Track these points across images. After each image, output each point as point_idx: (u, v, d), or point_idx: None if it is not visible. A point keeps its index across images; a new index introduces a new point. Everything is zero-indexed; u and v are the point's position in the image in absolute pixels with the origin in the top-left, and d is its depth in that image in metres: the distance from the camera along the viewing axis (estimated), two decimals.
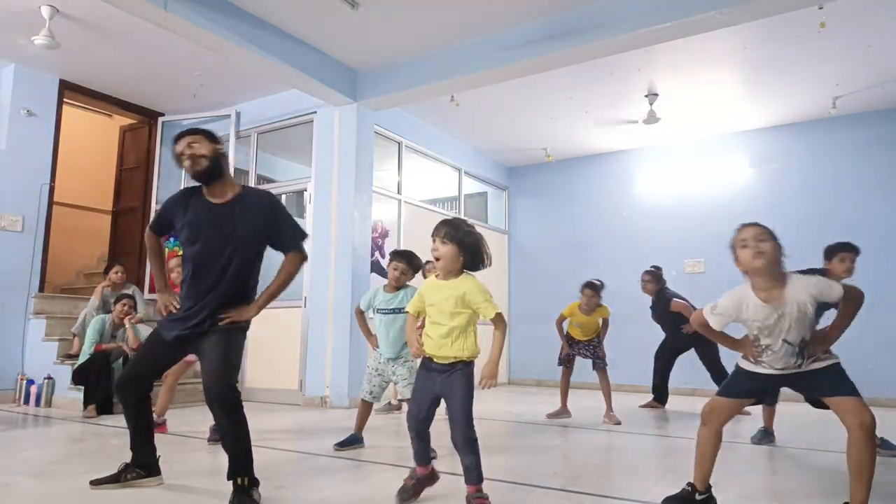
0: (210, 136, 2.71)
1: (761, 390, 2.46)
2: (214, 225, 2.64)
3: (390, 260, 3.76)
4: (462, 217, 2.74)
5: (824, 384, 2.31)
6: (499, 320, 2.42)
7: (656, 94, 6.63)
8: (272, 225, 2.70)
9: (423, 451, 2.55)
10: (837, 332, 2.31)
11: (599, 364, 5.19)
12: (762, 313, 2.27)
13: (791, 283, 2.27)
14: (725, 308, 2.37)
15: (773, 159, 7.51)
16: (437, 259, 2.46)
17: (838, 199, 7.03)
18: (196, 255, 2.65)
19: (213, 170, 2.66)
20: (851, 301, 2.31)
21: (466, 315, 2.43)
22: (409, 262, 3.72)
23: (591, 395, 6.67)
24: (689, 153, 8.05)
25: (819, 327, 2.42)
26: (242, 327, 2.70)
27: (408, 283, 3.76)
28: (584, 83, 6.40)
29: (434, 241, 2.46)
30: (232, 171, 6.81)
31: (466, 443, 2.36)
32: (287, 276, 2.75)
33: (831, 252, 3.88)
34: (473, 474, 2.39)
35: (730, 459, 3.65)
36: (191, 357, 3.36)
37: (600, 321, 5.27)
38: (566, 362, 5.33)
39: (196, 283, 2.65)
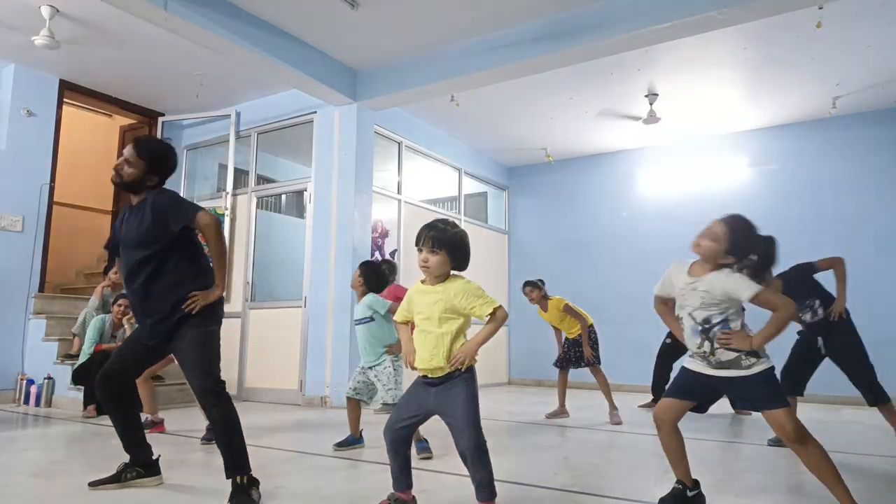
0: (151, 157, 2.75)
1: (702, 392, 2.46)
2: (130, 227, 2.72)
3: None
4: (442, 217, 2.54)
5: (751, 395, 2.33)
6: (494, 318, 2.22)
7: (656, 94, 6.63)
8: (159, 214, 2.67)
9: (402, 472, 2.31)
10: (760, 337, 2.27)
11: (584, 364, 5.17)
12: (682, 282, 2.42)
13: (719, 272, 2.34)
14: (666, 276, 2.54)
15: (773, 159, 7.51)
16: (427, 269, 2.28)
17: (838, 199, 7.03)
18: (126, 260, 2.74)
19: (132, 185, 2.75)
20: (777, 309, 2.29)
21: (458, 322, 2.24)
22: (368, 270, 3.80)
23: (591, 395, 6.67)
24: (689, 153, 8.05)
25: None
26: (215, 318, 2.71)
27: (371, 292, 3.77)
28: (584, 83, 6.40)
29: (421, 250, 2.27)
30: (231, 171, 6.88)
31: (478, 453, 2.15)
32: (217, 246, 2.71)
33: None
34: (487, 490, 2.16)
35: (730, 459, 3.66)
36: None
37: (564, 311, 5.22)
38: (561, 364, 5.33)
39: (130, 286, 2.71)
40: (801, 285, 3.96)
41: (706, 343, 2.34)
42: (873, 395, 3.79)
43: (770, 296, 2.29)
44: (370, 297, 3.71)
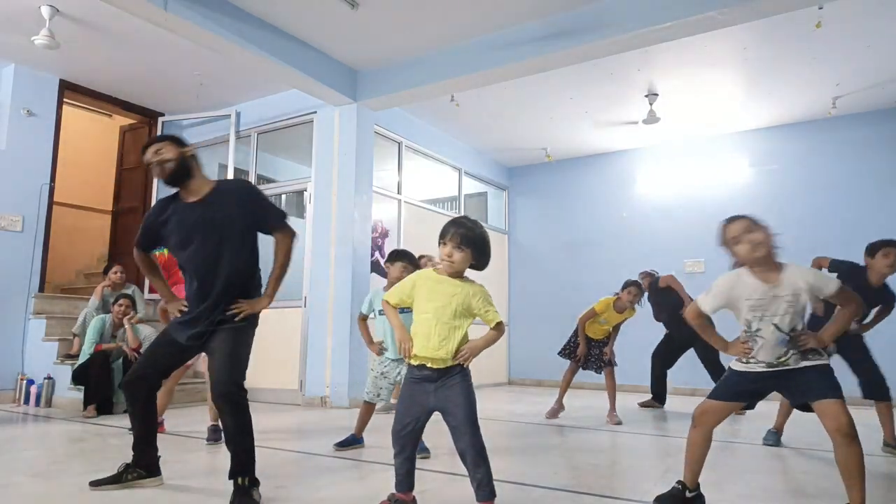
0: (176, 141, 2.76)
1: (752, 392, 2.44)
2: (196, 222, 2.65)
3: (394, 260, 3.69)
4: (465, 215, 2.49)
5: (810, 386, 2.28)
6: (499, 328, 2.34)
7: (656, 94, 6.63)
8: (250, 208, 2.69)
9: (407, 473, 2.31)
10: (831, 333, 2.29)
11: (606, 367, 5.18)
12: (758, 291, 2.27)
13: (788, 268, 2.28)
14: (719, 288, 2.36)
15: (773, 159, 7.51)
16: (451, 263, 2.31)
17: (838, 199, 7.04)
18: (188, 257, 2.67)
19: (180, 171, 2.69)
20: (848, 303, 2.29)
21: (469, 320, 2.32)
22: (411, 261, 3.70)
23: (591, 394, 6.68)
24: (689, 153, 8.05)
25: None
26: (252, 324, 2.69)
27: None
28: (584, 83, 6.40)
29: (446, 244, 2.29)
30: (231, 170, 6.88)
31: (478, 453, 2.17)
32: (284, 257, 2.75)
33: (874, 249, 3.85)
34: (486, 489, 2.17)
35: (730, 459, 3.66)
36: (190, 360, 3.39)
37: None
38: (583, 363, 5.28)
39: (195, 285, 2.66)
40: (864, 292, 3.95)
41: (791, 352, 2.27)
42: (868, 388, 3.77)
43: (848, 292, 2.27)
44: None
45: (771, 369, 2.32)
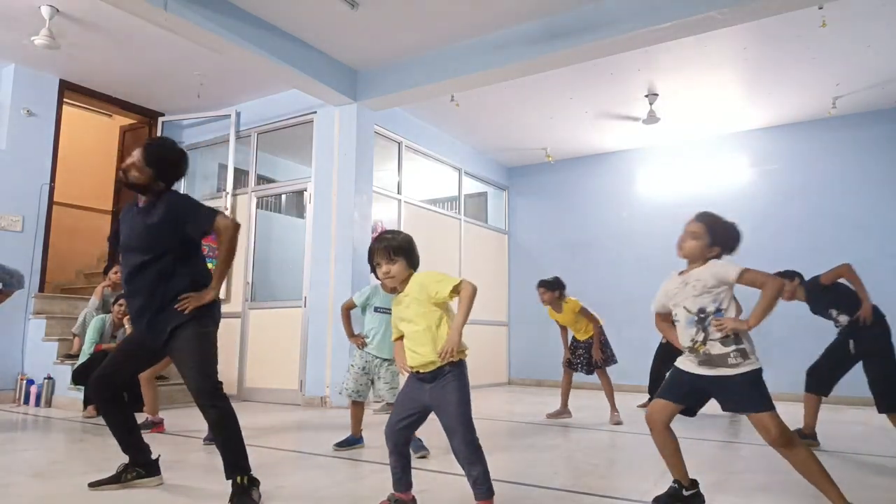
0: (158, 162, 2.68)
1: (690, 394, 2.47)
2: (135, 226, 2.70)
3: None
4: (388, 228, 2.59)
5: (736, 397, 2.34)
6: (463, 287, 2.23)
7: (656, 94, 6.63)
8: (184, 213, 2.66)
9: (403, 472, 2.31)
10: (754, 316, 2.31)
11: (591, 369, 5.17)
12: (674, 284, 2.54)
13: (705, 265, 2.46)
14: (661, 290, 2.63)
15: (773, 159, 7.51)
16: (392, 278, 2.36)
17: (838, 199, 7.03)
18: (125, 259, 2.71)
19: (138, 188, 2.70)
20: (763, 286, 2.33)
21: (436, 313, 2.27)
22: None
23: (592, 395, 6.68)
24: (689, 153, 8.05)
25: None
26: (209, 324, 2.68)
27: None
28: (584, 83, 6.40)
29: (380, 265, 2.36)
30: (231, 171, 6.88)
31: (470, 450, 2.16)
32: (226, 249, 2.69)
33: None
34: (483, 487, 2.16)
35: (729, 459, 3.66)
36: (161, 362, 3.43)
37: (580, 313, 5.18)
38: (570, 365, 5.32)
39: (129, 287, 2.70)
40: (813, 300, 4.04)
41: (700, 333, 2.38)
42: (883, 401, 3.76)
43: (755, 273, 2.35)
44: None
45: (698, 372, 2.39)
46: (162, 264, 2.64)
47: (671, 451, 2.48)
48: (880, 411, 3.78)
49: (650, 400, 5.99)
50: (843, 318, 3.91)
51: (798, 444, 2.27)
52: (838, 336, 4.01)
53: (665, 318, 2.64)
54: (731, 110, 7.11)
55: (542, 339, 8.43)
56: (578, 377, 5.43)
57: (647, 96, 6.67)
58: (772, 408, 2.27)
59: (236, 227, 2.74)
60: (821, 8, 4.57)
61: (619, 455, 3.89)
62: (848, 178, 7.04)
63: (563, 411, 5.26)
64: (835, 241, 6.86)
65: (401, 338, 2.40)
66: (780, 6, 4.45)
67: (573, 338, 5.33)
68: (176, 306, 2.60)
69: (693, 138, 7.98)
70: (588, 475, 3.14)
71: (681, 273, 2.55)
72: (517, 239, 9.33)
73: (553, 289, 5.23)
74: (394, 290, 3.66)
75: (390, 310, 3.61)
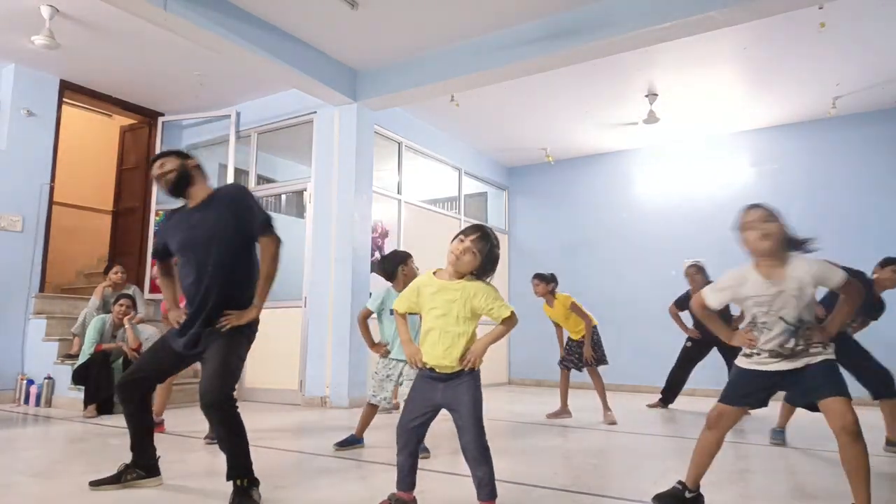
0: (179, 154, 2.82)
1: (760, 392, 2.42)
2: (190, 228, 2.68)
3: (407, 264, 3.73)
4: (492, 229, 2.41)
5: (815, 385, 2.27)
6: (508, 322, 2.26)
7: (656, 94, 6.63)
8: (239, 212, 2.67)
9: (410, 471, 2.30)
10: (836, 324, 2.30)
11: (582, 367, 5.17)
12: (762, 288, 2.30)
13: (793, 262, 2.28)
14: (726, 283, 2.39)
15: (774, 159, 7.51)
16: (457, 260, 2.27)
17: (838, 198, 7.03)
18: (182, 262, 2.70)
19: (181, 180, 2.74)
20: (851, 294, 2.31)
21: (474, 322, 2.28)
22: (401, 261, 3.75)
23: (591, 395, 6.67)
24: (688, 153, 8.05)
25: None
26: (246, 333, 2.66)
27: None
28: (584, 83, 6.39)
29: (464, 242, 2.25)
30: (231, 171, 6.87)
31: (479, 451, 2.17)
32: (269, 266, 2.68)
33: (887, 262, 4.00)
34: (487, 489, 2.18)
35: (730, 459, 3.65)
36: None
37: (572, 310, 5.21)
38: (565, 364, 5.33)
39: (189, 290, 2.67)
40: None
41: (800, 342, 2.28)
42: (877, 389, 3.76)
43: (854, 282, 2.28)
44: None
45: (776, 368, 2.31)
46: (235, 259, 2.65)
47: (709, 455, 2.43)
48: (875, 397, 3.79)
49: (661, 401, 6.02)
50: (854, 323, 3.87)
51: (863, 440, 2.19)
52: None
53: (713, 311, 2.47)
54: (731, 110, 7.11)
55: (543, 339, 8.39)
56: (580, 377, 5.43)
57: (647, 96, 6.67)
58: (849, 395, 2.22)
59: (280, 242, 2.73)
60: (821, 8, 4.56)
61: (618, 455, 3.89)
62: (848, 178, 7.04)
63: (563, 411, 5.26)
64: (835, 241, 6.82)
65: (403, 316, 2.40)
66: (780, 6, 4.46)
67: (569, 338, 5.33)
68: (217, 325, 2.58)
69: (693, 138, 7.98)
70: (588, 475, 3.15)
71: (760, 271, 2.30)
72: (517, 239, 9.33)
73: (547, 282, 5.31)
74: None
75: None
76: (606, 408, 5.04)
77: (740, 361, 2.44)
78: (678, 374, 5.94)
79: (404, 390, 3.62)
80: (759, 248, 2.29)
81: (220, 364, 2.52)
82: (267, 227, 2.68)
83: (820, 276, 2.25)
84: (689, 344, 5.83)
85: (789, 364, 2.30)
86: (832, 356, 2.30)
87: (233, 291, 2.65)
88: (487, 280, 2.33)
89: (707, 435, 2.44)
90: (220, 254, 2.62)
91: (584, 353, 5.10)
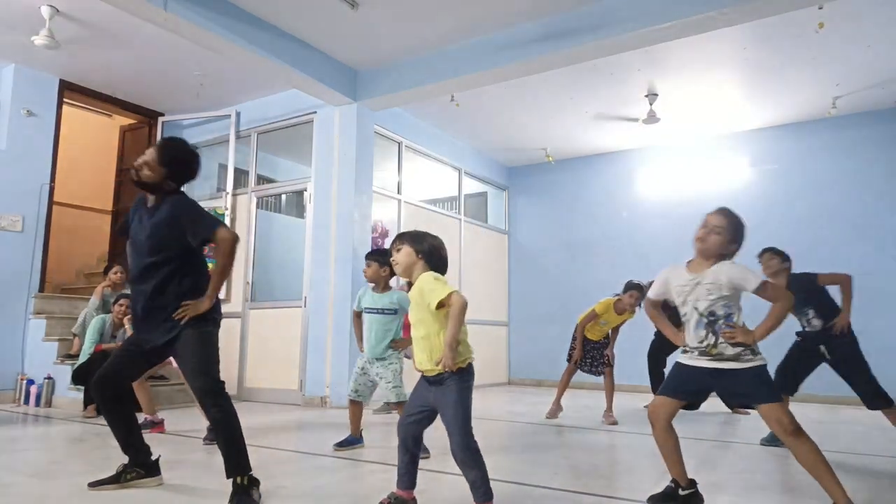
0: (168, 169, 2.73)
1: (694, 388, 2.51)
2: (140, 228, 2.73)
3: (370, 263, 3.83)
4: (388, 229, 2.50)
5: (745, 390, 2.37)
6: (452, 300, 2.16)
7: (656, 94, 6.63)
8: (186, 219, 2.67)
9: (408, 470, 2.32)
10: (763, 329, 2.36)
11: (601, 370, 5.19)
12: (684, 279, 2.49)
13: (719, 264, 2.44)
14: (659, 276, 2.61)
15: (773, 159, 7.51)
16: (396, 264, 2.34)
17: (838, 199, 7.03)
18: (130, 259, 2.75)
19: (143, 187, 2.73)
20: (777, 301, 2.40)
21: (433, 321, 2.22)
22: (387, 261, 3.76)
23: (592, 395, 6.67)
24: (689, 153, 8.05)
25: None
26: (210, 320, 2.69)
27: (391, 284, 3.82)
28: (584, 83, 6.40)
29: (392, 252, 2.37)
30: (231, 170, 6.88)
31: (466, 454, 2.16)
32: (223, 259, 2.68)
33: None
34: (480, 491, 2.17)
35: (730, 459, 3.66)
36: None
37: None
38: (584, 365, 5.28)
39: (135, 287, 2.71)
40: (798, 294, 3.96)
41: (710, 336, 2.39)
42: (871, 401, 3.76)
43: (773, 287, 2.39)
44: (400, 294, 3.70)
45: (704, 365, 2.40)
46: (168, 268, 2.65)
47: (671, 448, 2.49)
48: (870, 408, 3.78)
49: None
50: (817, 323, 3.86)
51: (807, 437, 2.27)
52: (805, 339, 3.95)
53: (656, 305, 2.66)
54: (731, 110, 7.11)
55: (542, 339, 8.44)
56: (580, 375, 5.42)
57: (647, 96, 6.67)
58: (781, 399, 2.32)
59: (235, 239, 2.73)
60: (821, 8, 4.56)
61: (618, 455, 3.89)
62: (848, 178, 7.04)
63: (557, 408, 5.25)
64: (835, 241, 6.87)
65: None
66: (780, 6, 4.45)
67: (585, 337, 5.29)
68: (174, 315, 2.61)
69: (693, 138, 7.98)
70: (588, 475, 3.15)
71: (689, 266, 2.51)
72: (517, 239, 9.33)
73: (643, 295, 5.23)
74: (382, 289, 3.74)
75: (377, 309, 3.69)
76: (609, 409, 5.05)
77: (679, 357, 2.55)
78: (656, 369, 5.99)
79: (383, 389, 3.65)
80: (696, 245, 2.50)
81: (195, 355, 2.60)
82: (217, 224, 2.69)
83: (735, 277, 2.38)
84: (655, 338, 5.92)
85: (718, 363, 2.38)
86: (763, 362, 2.37)
87: (178, 294, 2.65)
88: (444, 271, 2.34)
89: (654, 432, 2.52)
90: (162, 257, 2.65)
91: (607, 353, 5.16)
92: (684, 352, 2.51)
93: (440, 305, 2.18)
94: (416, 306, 2.28)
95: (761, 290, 2.36)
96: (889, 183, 6.83)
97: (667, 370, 5.98)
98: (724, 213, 2.50)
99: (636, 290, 5.02)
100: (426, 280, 2.26)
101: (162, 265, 2.65)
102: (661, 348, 5.92)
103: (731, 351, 2.36)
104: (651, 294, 2.64)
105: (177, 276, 2.67)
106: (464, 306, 2.17)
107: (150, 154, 2.72)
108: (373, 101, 6.27)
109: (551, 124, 7.62)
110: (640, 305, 5.13)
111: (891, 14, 4.98)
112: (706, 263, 2.46)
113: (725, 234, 2.44)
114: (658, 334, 5.93)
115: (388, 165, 7.15)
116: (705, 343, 2.40)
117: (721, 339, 2.37)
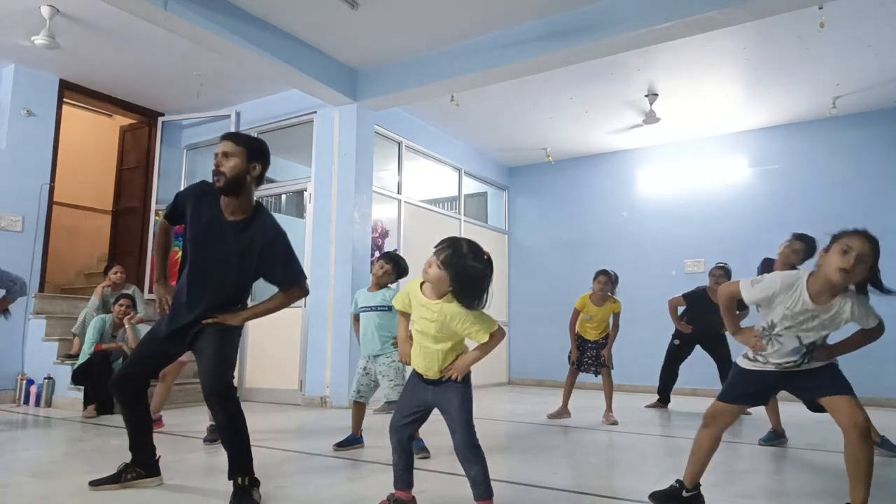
0: (248, 147, 2.63)
1: (761, 392, 2.44)
2: (221, 241, 2.62)
3: (377, 258, 3.88)
4: (474, 243, 2.22)
5: (819, 383, 2.30)
6: (494, 337, 2.20)
7: (656, 94, 6.63)
8: (272, 259, 2.69)
9: (405, 471, 2.32)
10: (845, 350, 2.32)
11: (598, 370, 5.17)
12: (800, 305, 2.23)
13: (845, 296, 2.23)
14: (768, 283, 2.29)
15: (773, 159, 7.51)
16: (426, 273, 2.21)
17: (838, 199, 7.03)
18: (197, 262, 2.67)
19: (230, 187, 2.59)
20: (872, 332, 2.31)
21: (453, 340, 2.24)
22: (395, 264, 3.80)
23: (592, 395, 6.67)
24: (689, 153, 8.05)
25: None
26: (234, 328, 2.70)
27: (390, 284, 3.84)
28: (584, 83, 6.40)
29: (434, 255, 2.19)
30: None
31: (470, 450, 2.17)
32: (278, 306, 2.78)
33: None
34: (481, 488, 2.18)
35: (730, 459, 3.65)
36: (185, 357, 3.41)
37: (611, 316, 5.20)
38: (580, 365, 5.28)
39: (192, 287, 2.67)
40: None
41: (804, 359, 2.30)
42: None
43: (881, 328, 2.30)
44: (393, 291, 3.73)
45: (778, 369, 2.33)
46: (235, 287, 2.68)
47: (705, 453, 2.42)
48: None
49: (659, 401, 6.02)
50: None
51: (871, 440, 2.20)
52: None
53: (733, 305, 2.40)
54: (731, 110, 7.11)
55: (542, 339, 8.43)
56: (580, 378, 5.42)
57: (647, 96, 6.67)
58: (854, 393, 2.24)
59: (304, 293, 2.82)
60: (821, 8, 4.56)
61: (619, 455, 3.89)
62: (848, 178, 7.04)
63: (563, 411, 5.25)
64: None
65: (403, 314, 2.41)
66: (780, 6, 4.45)
67: (582, 338, 5.27)
68: (204, 322, 2.61)
69: (693, 138, 7.98)
70: (588, 475, 3.14)
71: (813, 296, 2.22)
72: (517, 239, 9.33)
73: (614, 283, 5.21)
74: (376, 288, 3.76)
75: (372, 307, 3.71)
76: (609, 409, 5.05)
77: (742, 362, 2.43)
78: (668, 373, 5.97)
79: (385, 389, 3.65)
80: (832, 278, 2.19)
81: (215, 355, 2.57)
82: (297, 283, 2.74)
83: (859, 316, 2.24)
84: (676, 342, 5.86)
85: (794, 366, 2.32)
86: (835, 360, 2.33)
87: (229, 304, 2.69)
88: (479, 307, 2.17)
89: (704, 433, 2.44)
90: (237, 277, 2.66)
91: (604, 353, 5.12)
92: (749, 358, 2.38)
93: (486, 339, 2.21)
94: (442, 326, 2.21)
95: (873, 330, 2.27)
96: (889, 183, 6.83)
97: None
98: (870, 239, 2.24)
99: (601, 275, 5.13)
100: (469, 315, 2.18)
101: (232, 285, 2.67)
102: (679, 355, 5.85)
103: (815, 365, 2.30)
104: (747, 298, 2.33)
105: (242, 290, 2.73)
106: (503, 339, 2.24)
107: (223, 146, 2.59)
108: (373, 101, 6.27)
109: (551, 124, 7.62)
110: (611, 292, 5.16)
111: (891, 14, 4.97)
112: (831, 294, 2.22)
113: (870, 262, 2.17)
114: (679, 336, 5.85)
115: (388, 165, 7.15)
116: (795, 362, 2.29)
117: (809, 362, 2.29)
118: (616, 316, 5.19)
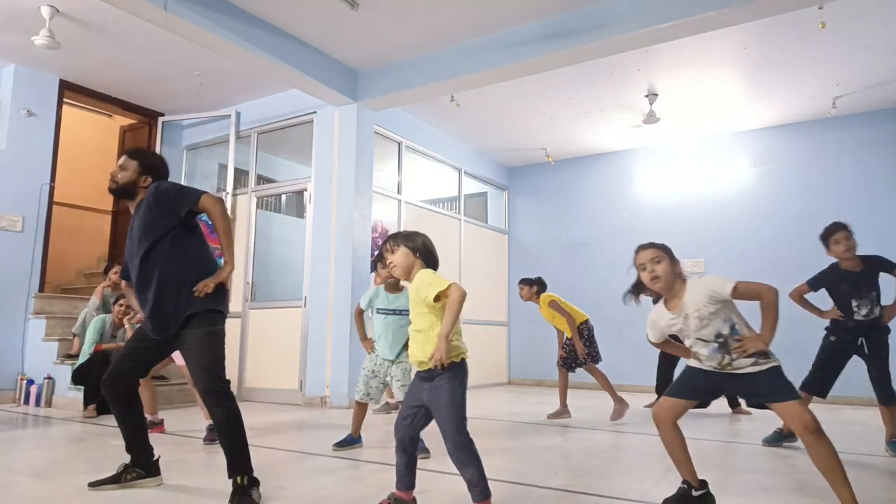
0: (141, 162, 2.90)
1: (705, 390, 2.51)
2: (131, 228, 2.80)
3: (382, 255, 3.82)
4: (388, 229, 2.54)
5: (764, 390, 2.32)
6: (450, 294, 2.18)
7: (656, 94, 6.63)
8: (161, 208, 2.70)
9: (407, 471, 2.32)
10: (767, 331, 2.30)
11: (577, 365, 5.15)
12: (672, 321, 2.43)
13: (688, 288, 2.39)
14: (650, 324, 2.54)
15: (773, 159, 7.51)
16: (394, 267, 2.38)
17: (838, 199, 7.03)
18: (130, 264, 2.81)
19: (120, 192, 2.90)
20: (759, 297, 2.32)
21: (431, 316, 2.25)
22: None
23: (592, 395, 6.68)
24: (689, 153, 8.05)
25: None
26: (216, 321, 2.68)
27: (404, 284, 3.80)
28: (584, 83, 6.40)
29: (384, 258, 2.44)
30: (231, 171, 6.88)
31: (461, 453, 2.16)
32: (221, 223, 2.71)
33: (825, 238, 3.87)
34: (478, 489, 2.16)
35: (730, 459, 3.65)
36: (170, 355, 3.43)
37: (555, 314, 5.20)
38: (564, 364, 5.30)
39: (139, 284, 2.73)
40: (870, 277, 3.79)
41: (726, 356, 2.34)
42: (887, 395, 3.74)
43: (749, 284, 2.31)
44: None
45: (717, 369, 2.39)
46: (162, 247, 2.67)
47: (678, 449, 2.46)
48: (884, 404, 3.75)
49: (658, 400, 5.99)
50: (865, 311, 3.74)
51: (826, 437, 2.22)
52: (843, 335, 3.84)
53: (664, 340, 2.57)
54: (731, 110, 7.11)
55: (542, 339, 8.42)
56: (579, 376, 5.42)
57: (647, 96, 6.67)
58: (799, 396, 2.28)
59: (220, 201, 2.78)
60: (821, 8, 4.56)
61: (619, 455, 3.88)
62: (848, 178, 7.05)
63: (563, 411, 5.25)
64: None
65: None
66: (780, 6, 4.46)
67: (566, 337, 5.29)
68: (194, 291, 2.62)
69: (693, 138, 7.99)
70: (588, 475, 3.14)
71: (666, 305, 2.44)
72: (517, 239, 9.34)
73: (530, 285, 5.36)
74: (396, 289, 3.70)
75: (393, 311, 3.66)
76: (616, 400, 4.98)
77: (689, 361, 2.53)
78: (666, 373, 5.96)
79: (394, 390, 3.65)
80: (653, 288, 2.43)
81: (204, 351, 2.60)
82: (200, 194, 2.73)
83: (710, 292, 2.32)
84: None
85: (731, 369, 2.36)
86: (777, 363, 2.34)
87: (184, 280, 2.66)
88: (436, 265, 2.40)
89: (661, 434, 2.51)
90: (153, 248, 2.68)
91: (577, 351, 5.09)
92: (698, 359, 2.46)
93: (437, 298, 2.20)
94: (414, 302, 2.32)
95: (738, 293, 2.29)
96: (889, 183, 6.83)
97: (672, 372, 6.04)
98: (647, 245, 2.45)
99: (520, 284, 5.42)
100: (425, 276, 2.31)
101: (156, 246, 2.66)
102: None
103: (747, 362, 2.32)
104: (653, 339, 2.57)
105: (176, 254, 2.68)
106: (462, 297, 2.18)
107: (121, 159, 2.92)
108: (373, 101, 6.27)
109: (551, 124, 7.63)
110: (536, 300, 5.30)
111: (891, 14, 4.98)
112: (675, 296, 2.41)
113: (664, 258, 2.39)
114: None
115: (388, 165, 7.15)
116: (721, 364, 2.36)
117: (735, 356, 2.32)
118: (556, 305, 5.15)
